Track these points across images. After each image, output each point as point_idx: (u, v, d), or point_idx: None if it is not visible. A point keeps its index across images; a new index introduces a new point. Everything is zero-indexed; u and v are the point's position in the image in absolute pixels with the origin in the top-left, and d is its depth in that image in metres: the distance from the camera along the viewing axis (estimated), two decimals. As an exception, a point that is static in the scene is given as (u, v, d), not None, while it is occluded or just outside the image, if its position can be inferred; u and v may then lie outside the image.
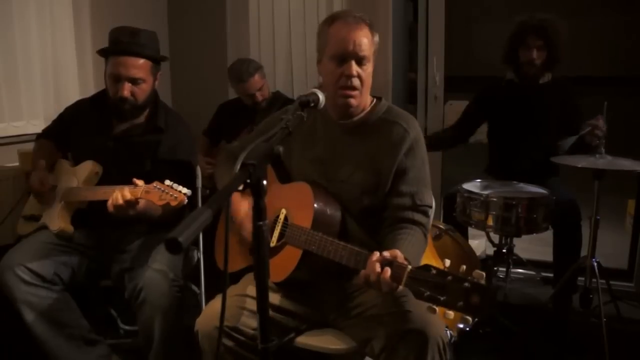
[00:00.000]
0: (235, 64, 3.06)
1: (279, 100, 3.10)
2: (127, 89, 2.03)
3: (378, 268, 1.35)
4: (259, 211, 1.15)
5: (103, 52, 2.10)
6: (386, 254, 1.38)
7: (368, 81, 1.65)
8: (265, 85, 3.06)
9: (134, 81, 2.04)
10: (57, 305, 1.98)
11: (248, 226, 1.70)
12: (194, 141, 2.29)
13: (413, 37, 3.73)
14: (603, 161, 2.24)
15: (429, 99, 3.44)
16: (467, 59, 5.20)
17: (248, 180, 1.11)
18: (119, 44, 2.04)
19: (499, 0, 5.49)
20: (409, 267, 1.32)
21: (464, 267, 1.27)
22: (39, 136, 2.33)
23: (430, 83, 3.41)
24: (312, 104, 1.48)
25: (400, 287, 1.33)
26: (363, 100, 1.68)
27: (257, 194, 1.14)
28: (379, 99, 1.76)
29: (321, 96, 1.51)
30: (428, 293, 1.25)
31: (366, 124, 1.70)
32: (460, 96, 3.51)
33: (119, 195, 1.81)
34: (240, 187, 1.11)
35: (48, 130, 2.33)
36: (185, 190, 1.80)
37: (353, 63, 1.60)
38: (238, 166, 1.13)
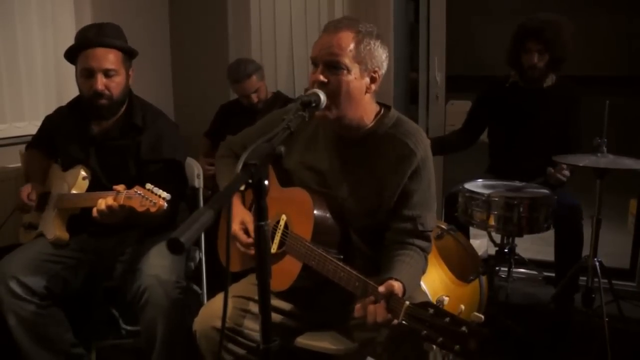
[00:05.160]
0: (234, 63, 3.06)
1: (279, 100, 3.10)
2: (101, 82, 1.98)
3: (373, 307, 1.35)
4: (260, 211, 1.15)
5: (70, 53, 2.04)
6: (382, 289, 1.36)
7: (346, 90, 1.52)
8: (262, 87, 3.06)
9: (107, 73, 1.99)
10: (42, 320, 1.98)
11: (242, 237, 1.68)
12: (178, 134, 2.22)
13: (414, 37, 3.74)
14: (605, 160, 2.24)
15: (430, 99, 3.45)
16: (468, 59, 5.20)
17: (250, 181, 1.11)
18: (87, 39, 2.00)
19: (500, 0, 5.49)
20: (407, 303, 1.30)
21: (463, 307, 1.27)
22: (28, 147, 2.32)
23: (431, 83, 3.42)
24: (314, 104, 1.46)
25: (396, 322, 1.32)
26: (345, 112, 1.55)
27: (259, 194, 1.14)
28: (387, 108, 1.66)
29: (322, 96, 1.48)
30: (425, 332, 1.24)
31: (370, 138, 1.61)
32: (461, 96, 3.51)
33: (102, 202, 1.80)
34: (242, 188, 1.11)
35: (35, 140, 2.32)
36: (164, 194, 1.75)
37: (320, 68, 1.52)
38: (240, 166, 1.13)
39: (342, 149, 1.65)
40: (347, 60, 1.51)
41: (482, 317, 1.21)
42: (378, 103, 1.67)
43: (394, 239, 1.61)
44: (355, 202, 1.63)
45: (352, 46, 1.51)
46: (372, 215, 1.63)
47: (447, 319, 1.22)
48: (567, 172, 2.50)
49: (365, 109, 1.61)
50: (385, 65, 1.59)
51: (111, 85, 2.01)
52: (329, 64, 1.52)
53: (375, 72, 1.57)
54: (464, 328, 1.20)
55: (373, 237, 1.65)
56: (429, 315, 1.25)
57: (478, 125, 2.97)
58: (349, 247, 1.64)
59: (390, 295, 1.34)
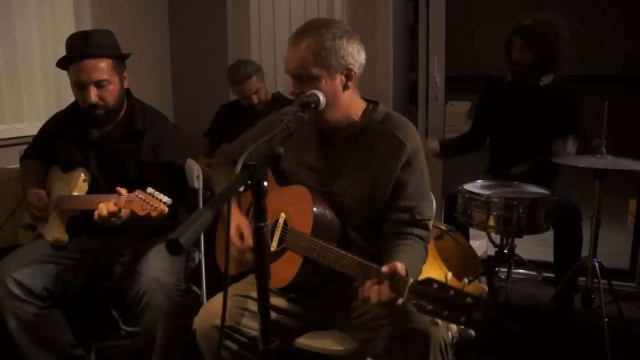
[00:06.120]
0: (234, 65, 3.07)
1: (279, 101, 3.10)
2: (94, 94, 1.96)
3: (377, 286, 1.35)
4: (259, 212, 1.15)
5: (63, 64, 2.03)
6: (385, 269, 1.37)
7: (328, 95, 1.55)
8: (262, 88, 3.06)
9: (99, 84, 1.97)
10: (41, 321, 1.97)
11: (237, 242, 1.68)
12: (178, 135, 2.22)
13: (414, 38, 3.74)
14: (604, 161, 2.24)
15: (429, 100, 3.44)
16: (468, 59, 5.21)
17: (249, 182, 1.11)
18: (74, 50, 1.98)
19: (499, 0, 5.49)
20: (411, 280, 1.31)
21: (466, 280, 1.28)
22: (23, 157, 2.30)
23: (431, 83, 3.41)
24: (313, 105, 1.49)
25: (401, 300, 1.33)
26: (323, 116, 1.58)
27: (258, 195, 1.14)
28: (375, 104, 1.69)
29: (321, 97, 1.52)
30: (430, 307, 1.25)
31: (361, 133, 1.65)
32: (461, 96, 3.51)
33: (103, 206, 1.80)
34: (241, 189, 1.11)
35: (31, 150, 2.29)
36: (165, 199, 1.76)
37: (293, 82, 1.58)
38: (239, 167, 1.13)
39: (335, 146, 1.68)
40: (312, 70, 1.54)
41: (486, 288, 1.22)
42: (366, 100, 1.69)
43: (392, 230, 1.63)
44: (350, 197, 1.65)
45: (312, 55, 1.54)
46: (368, 209, 1.65)
47: (452, 292, 1.24)
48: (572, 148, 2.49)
49: (349, 106, 1.63)
50: (360, 57, 1.60)
51: (105, 95, 1.99)
52: (298, 77, 1.57)
53: (349, 69, 1.58)
54: (468, 299, 1.21)
55: (371, 233, 1.67)
56: (433, 290, 1.26)
57: (484, 126, 2.98)
58: (347, 243, 1.65)
59: (393, 274, 1.35)
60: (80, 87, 1.99)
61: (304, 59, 1.54)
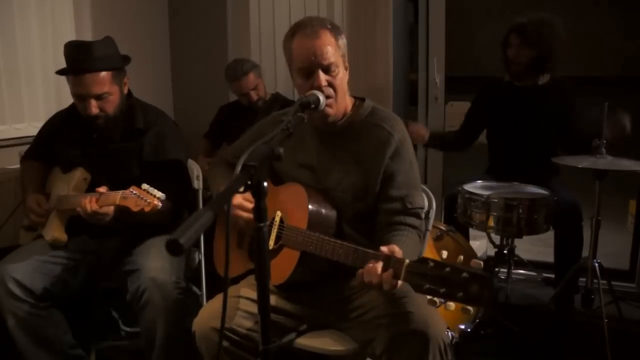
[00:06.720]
0: (231, 63, 3.09)
1: (278, 102, 3.10)
2: (94, 106, 1.97)
3: (376, 267, 1.36)
4: (259, 213, 1.15)
5: (63, 73, 2.03)
6: (384, 248, 1.38)
7: (341, 86, 1.62)
8: (260, 84, 3.07)
9: (99, 97, 1.97)
10: (41, 321, 1.98)
11: (247, 205, 1.67)
12: (179, 132, 2.23)
13: (414, 38, 3.74)
14: (604, 161, 2.24)
15: (429, 100, 3.45)
16: (468, 60, 5.21)
17: (249, 182, 1.11)
18: (73, 63, 1.97)
19: (499, 0, 5.49)
20: (407, 261, 1.32)
21: (462, 257, 1.29)
22: (24, 158, 2.30)
23: (431, 84, 3.41)
24: (313, 105, 1.50)
25: (400, 282, 1.34)
26: (340, 107, 1.65)
27: (258, 195, 1.14)
28: (361, 100, 1.74)
29: (322, 97, 1.53)
30: (427, 286, 1.26)
31: (350, 127, 1.69)
32: (461, 97, 3.51)
33: (86, 204, 1.82)
34: (241, 189, 1.11)
35: (31, 151, 2.29)
36: (159, 194, 1.79)
37: (320, 73, 1.57)
38: (239, 168, 1.13)
39: (329, 142, 1.71)
40: (336, 59, 1.60)
41: (482, 263, 1.24)
42: (352, 96, 1.75)
43: (385, 220, 1.65)
44: (343, 190, 1.67)
45: (334, 44, 1.60)
46: (361, 201, 1.67)
47: (448, 269, 1.24)
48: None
49: (347, 99, 1.70)
50: None
51: (105, 105, 2.00)
52: (327, 67, 1.58)
53: (346, 60, 1.65)
54: (465, 274, 1.22)
55: (365, 227, 1.68)
56: (430, 268, 1.27)
57: (475, 126, 2.98)
58: (342, 238, 1.65)
59: (390, 256, 1.36)
60: (80, 98, 1.99)
61: (329, 49, 1.58)
